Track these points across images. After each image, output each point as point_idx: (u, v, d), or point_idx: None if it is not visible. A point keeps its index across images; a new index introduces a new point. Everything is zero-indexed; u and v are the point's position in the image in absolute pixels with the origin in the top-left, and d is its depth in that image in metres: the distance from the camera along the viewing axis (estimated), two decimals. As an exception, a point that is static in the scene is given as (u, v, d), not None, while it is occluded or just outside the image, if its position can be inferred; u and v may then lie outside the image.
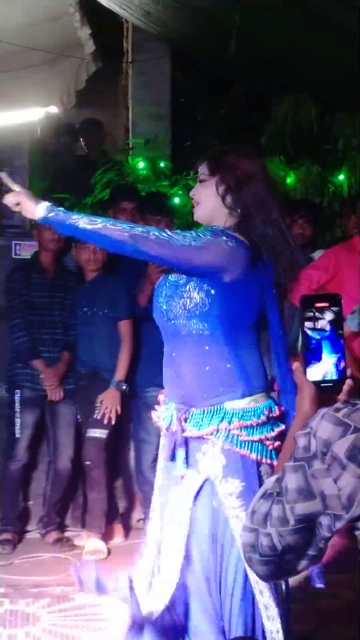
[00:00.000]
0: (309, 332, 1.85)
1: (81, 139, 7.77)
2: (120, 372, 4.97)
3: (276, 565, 1.72)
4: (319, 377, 1.85)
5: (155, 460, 5.14)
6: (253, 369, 2.82)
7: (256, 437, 2.74)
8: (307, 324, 1.86)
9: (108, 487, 5.00)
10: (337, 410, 1.65)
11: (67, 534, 5.13)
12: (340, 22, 5.51)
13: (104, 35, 7.74)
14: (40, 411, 5.08)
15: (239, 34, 5.32)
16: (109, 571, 4.37)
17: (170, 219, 5.26)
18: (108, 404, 4.94)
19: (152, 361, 5.12)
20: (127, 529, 5.23)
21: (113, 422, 4.95)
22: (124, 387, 4.97)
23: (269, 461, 2.76)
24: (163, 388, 5.26)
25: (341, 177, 6.99)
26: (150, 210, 5.24)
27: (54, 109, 7.28)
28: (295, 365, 1.88)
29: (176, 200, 6.45)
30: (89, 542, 4.88)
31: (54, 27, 7.39)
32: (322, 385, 1.84)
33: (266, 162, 6.87)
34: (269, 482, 1.72)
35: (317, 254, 5.26)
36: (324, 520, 1.64)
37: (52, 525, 5.05)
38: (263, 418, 2.76)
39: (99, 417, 4.93)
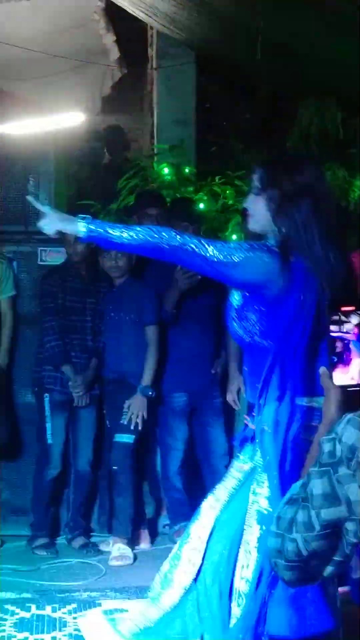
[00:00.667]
0: (335, 336, 1.85)
1: (106, 148, 7.81)
2: (147, 378, 4.98)
3: (302, 570, 1.72)
4: (346, 381, 1.84)
5: (182, 465, 5.17)
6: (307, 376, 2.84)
7: None
8: (333, 328, 1.85)
9: (134, 492, 5.00)
10: (363, 415, 1.64)
11: (93, 539, 5.13)
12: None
13: (129, 42, 7.78)
14: (69, 416, 5.09)
15: (263, 38, 5.32)
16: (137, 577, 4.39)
17: (197, 225, 5.24)
18: (135, 410, 4.94)
19: (178, 366, 5.15)
20: (154, 534, 5.22)
21: (140, 428, 4.95)
22: (151, 393, 4.97)
23: None
24: (189, 393, 5.27)
25: (366, 180, 6.97)
26: (178, 217, 5.22)
27: (79, 116, 7.31)
28: (322, 369, 1.87)
29: (201, 205, 6.45)
30: (115, 548, 4.88)
31: (79, 34, 7.44)
32: (349, 389, 1.83)
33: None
34: (295, 487, 1.72)
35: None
36: (350, 526, 1.63)
37: (78, 530, 5.06)
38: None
39: (125, 422, 4.94)
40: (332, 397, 1.84)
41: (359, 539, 1.65)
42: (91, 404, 5.11)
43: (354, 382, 1.83)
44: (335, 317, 1.85)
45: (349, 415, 1.66)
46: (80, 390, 5.01)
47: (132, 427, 4.93)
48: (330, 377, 1.85)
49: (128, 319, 5.05)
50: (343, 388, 1.83)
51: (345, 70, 6.56)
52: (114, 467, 4.97)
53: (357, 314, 1.83)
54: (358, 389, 1.83)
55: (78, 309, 5.08)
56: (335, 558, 1.70)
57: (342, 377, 1.84)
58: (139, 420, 4.93)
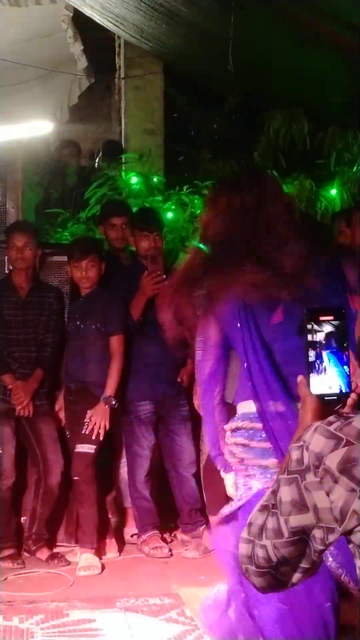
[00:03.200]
0: (312, 345, 1.86)
1: (98, 160, 7.80)
2: (110, 388, 4.97)
3: (272, 577, 1.73)
4: (322, 391, 1.85)
5: (149, 474, 5.17)
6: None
7: None
8: (310, 337, 1.86)
9: (98, 502, 4.99)
10: (330, 423, 1.65)
11: (60, 549, 5.10)
12: (333, 38, 5.54)
13: (97, 51, 7.78)
14: (17, 426, 5.06)
15: (232, 49, 5.34)
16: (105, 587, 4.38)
17: (159, 233, 5.27)
18: (97, 420, 4.93)
19: (144, 375, 5.15)
20: (121, 543, 5.21)
21: (101, 438, 4.93)
22: (114, 403, 4.97)
23: None
24: (155, 402, 5.30)
25: (333, 191, 7.02)
26: (140, 226, 5.27)
27: (47, 125, 7.30)
28: (300, 378, 1.89)
29: (169, 215, 6.47)
30: (83, 558, 4.86)
31: (47, 44, 7.44)
32: (326, 398, 1.84)
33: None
34: (266, 494, 1.73)
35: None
36: (317, 533, 1.64)
37: (42, 541, 5.02)
38: None
39: (87, 433, 4.92)
40: (308, 405, 1.85)
41: (325, 546, 1.66)
42: (49, 415, 5.09)
43: (331, 392, 1.84)
44: (313, 326, 1.85)
45: (317, 423, 1.68)
46: (21, 398, 4.97)
47: (93, 437, 4.91)
48: (307, 386, 1.86)
49: (94, 327, 5.04)
50: (319, 397, 1.84)
51: (313, 81, 6.61)
52: (75, 477, 4.96)
53: (335, 323, 1.84)
54: (334, 398, 1.84)
55: (19, 322, 5.07)
56: (302, 565, 1.71)
57: (319, 385, 1.85)
58: (101, 431, 4.92)
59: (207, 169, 7.43)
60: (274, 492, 1.69)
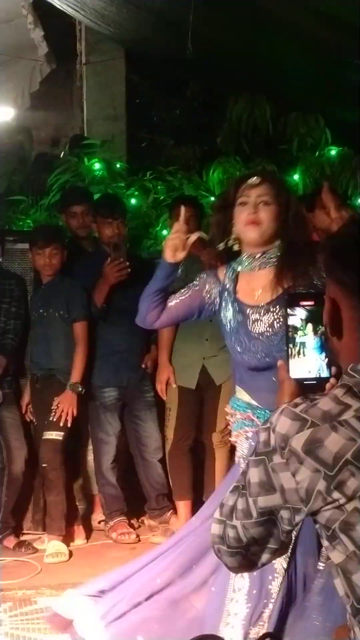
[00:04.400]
0: (292, 329, 1.87)
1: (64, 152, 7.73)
2: (76, 374, 4.96)
3: (243, 557, 1.75)
4: (302, 375, 1.86)
5: (115, 460, 5.18)
6: None
7: None
8: (291, 321, 1.87)
9: (66, 489, 4.98)
10: (296, 405, 1.66)
11: (27, 537, 5.09)
12: (295, 23, 5.54)
13: (58, 37, 7.72)
14: None
15: (193, 33, 5.33)
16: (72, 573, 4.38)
17: (122, 220, 5.25)
18: (64, 407, 4.92)
19: (108, 362, 5.15)
20: (88, 530, 5.22)
21: (69, 425, 4.93)
22: (80, 389, 4.96)
23: None
24: (119, 388, 5.30)
25: (296, 176, 7.04)
26: (102, 213, 5.24)
27: (8, 111, 7.24)
28: (280, 362, 1.90)
29: (133, 201, 6.45)
30: (50, 545, 4.85)
31: (6, 29, 7.35)
32: (305, 382, 1.85)
33: (222, 161, 6.96)
34: (240, 475, 1.75)
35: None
36: (284, 514, 1.66)
37: (8, 529, 5.01)
38: None
39: (55, 420, 4.91)
40: (285, 389, 1.87)
41: (292, 527, 1.68)
42: (12, 403, 5.07)
43: (310, 376, 1.85)
44: (294, 311, 1.86)
45: (283, 406, 1.69)
46: None
47: (61, 424, 4.91)
48: (287, 370, 1.87)
49: (57, 315, 5.03)
50: (298, 380, 1.86)
51: (275, 66, 6.62)
52: (43, 465, 4.95)
53: (312, 309, 1.84)
54: (314, 382, 1.84)
55: None
56: (270, 545, 1.73)
57: (298, 370, 1.86)
58: (69, 417, 4.91)
59: (170, 155, 7.43)
60: (244, 474, 1.71)
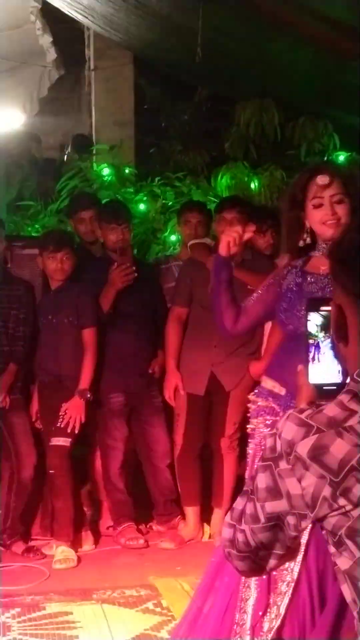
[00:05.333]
0: (312, 334, 1.86)
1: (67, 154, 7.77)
2: (84, 381, 4.97)
3: (252, 561, 1.75)
4: (321, 380, 1.85)
5: (123, 466, 5.18)
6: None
7: None
8: (310, 326, 1.87)
9: (74, 494, 4.98)
10: (302, 411, 1.66)
11: (35, 543, 5.09)
12: (302, 28, 5.55)
13: (66, 43, 7.76)
14: None
15: (201, 40, 5.34)
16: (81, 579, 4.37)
17: (127, 226, 5.26)
18: (72, 413, 4.92)
19: (115, 367, 5.15)
20: (97, 536, 5.21)
21: (77, 431, 4.93)
22: (88, 396, 4.96)
23: None
24: (126, 393, 5.28)
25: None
26: (107, 219, 5.25)
27: (18, 117, 7.27)
28: (300, 367, 1.90)
29: (141, 206, 6.46)
30: (58, 551, 4.85)
31: (15, 35, 7.40)
32: (324, 388, 1.84)
33: (230, 167, 6.97)
34: (248, 480, 1.75)
35: (281, 259, 5.28)
36: (291, 520, 1.66)
37: (16, 535, 5.01)
38: None
39: (62, 426, 4.91)
40: (303, 395, 1.87)
41: (298, 532, 1.68)
42: (21, 409, 5.07)
43: (329, 382, 1.84)
44: (314, 316, 1.86)
45: (290, 412, 1.69)
46: None
47: (68, 430, 4.91)
48: (306, 375, 1.87)
49: (66, 321, 5.03)
50: (318, 386, 1.85)
51: (283, 72, 6.63)
52: (50, 471, 4.95)
53: (324, 313, 1.84)
54: (334, 388, 1.84)
55: None
56: (276, 551, 1.73)
57: (318, 375, 1.86)
58: (77, 424, 4.91)
59: (178, 161, 7.44)
60: (252, 479, 1.71)
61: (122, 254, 5.09)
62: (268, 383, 3.23)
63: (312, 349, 1.86)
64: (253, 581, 2.93)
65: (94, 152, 7.29)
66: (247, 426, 3.35)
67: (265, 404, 3.20)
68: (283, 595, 2.86)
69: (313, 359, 1.86)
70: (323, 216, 3.08)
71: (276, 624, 2.83)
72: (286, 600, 2.84)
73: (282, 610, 2.83)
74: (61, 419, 4.91)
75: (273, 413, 3.16)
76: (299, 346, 2.85)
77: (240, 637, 2.91)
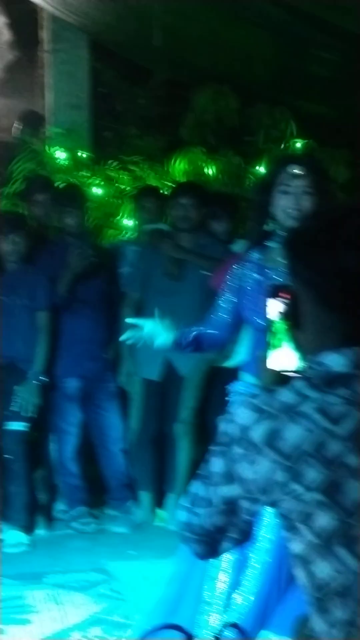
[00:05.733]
0: (270, 320, 1.87)
1: (14, 129, 7.65)
2: (39, 364, 4.95)
3: (207, 544, 1.77)
4: (281, 367, 1.87)
5: (76, 450, 5.17)
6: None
7: None
8: (270, 312, 1.87)
9: (29, 479, 4.97)
10: (255, 396, 1.67)
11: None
12: (261, 15, 5.56)
13: (21, 24, 7.66)
14: None
15: (158, 23, 5.32)
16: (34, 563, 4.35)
17: (82, 211, 5.24)
18: (26, 396, 4.90)
19: (70, 351, 5.13)
20: (50, 520, 5.20)
21: (30, 415, 4.91)
22: (42, 379, 4.94)
23: None
24: (81, 378, 5.25)
25: (261, 168, 7.06)
26: (63, 202, 5.23)
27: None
28: (259, 353, 1.91)
29: (97, 190, 6.43)
30: (11, 535, 4.84)
31: (-30, 15, 7.29)
32: (283, 374, 1.85)
33: (186, 152, 6.96)
34: (203, 463, 1.76)
35: (238, 245, 5.30)
36: (244, 504, 1.67)
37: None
38: None
39: (17, 409, 4.89)
40: (263, 380, 1.88)
41: (252, 516, 1.69)
42: None
43: (289, 367, 1.85)
44: (272, 302, 1.87)
45: (243, 397, 1.70)
46: None
47: (23, 414, 4.89)
48: (265, 360, 1.88)
49: (20, 303, 4.99)
50: (276, 372, 1.86)
51: (240, 57, 6.63)
52: (6, 456, 4.93)
53: (284, 300, 1.84)
54: (293, 373, 1.85)
55: None
56: (230, 535, 1.74)
57: (278, 361, 1.87)
58: (30, 407, 4.89)
59: (134, 145, 7.40)
60: (207, 462, 1.72)
61: (79, 238, 5.07)
62: (248, 378, 3.22)
63: (272, 335, 1.87)
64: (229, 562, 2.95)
65: (48, 134, 7.23)
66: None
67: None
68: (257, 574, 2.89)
69: (273, 345, 1.87)
70: (287, 203, 3.07)
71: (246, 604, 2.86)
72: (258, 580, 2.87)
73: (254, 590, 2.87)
74: (14, 403, 4.88)
75: None
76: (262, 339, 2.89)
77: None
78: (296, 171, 3.10)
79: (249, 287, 3.17)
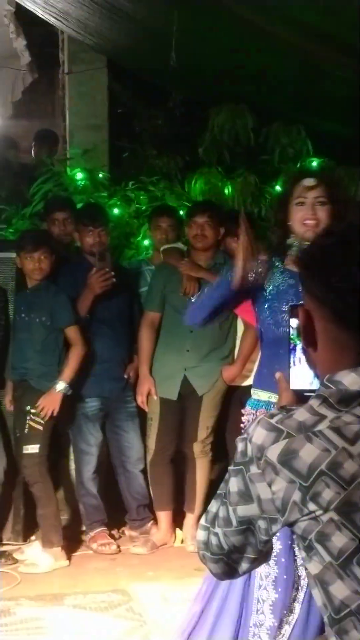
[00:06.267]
0: (292, 339, 1.86)
1: (33, 151, 7.72)
2: (66, 374, 4.91)
3: (225, 563, 1.76)
4: (302, 386, 1.86)
5: (96, 471, 5.16)
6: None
7: None
8: (292, 331, 1.87)
9: (53, 500, 4.93)
10: (272, 416, 1.67)
11: (7, 548, 5.06)
12: (276, 34, 5.57)
13: (41, 47, 7.74)
14: None
15: (176, 44, 5.34)
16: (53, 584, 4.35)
17: (104, 229, 5.25)
18: (46, 404, 4.86)
19: (90, 372, 5.14)
20: (70, 541, 5.19)
21: (47, 435, 4.87)
22: (65, 389, 4.90)
23: None
24: (101, 398, 5.25)
25: (278, 187, 7.06)
26: (84, 221, 5.24)
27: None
28: (278, 374, 1.90)
29: (115, 211, 6.45)
30: (30, 555, 4.83)
31: (-11, 38, 7.37)
32: (305, 394, 1.84)
33: (203, 172, 6.97)
34: (222, 483, 1.76)
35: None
36: (262, 524, 1.66)
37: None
38: None
39: (31, 432, 4.86)
40: (283, 400, 1.87)
41: (269, 537, 1.68)
42: None
43: (311, 387, 1.84)
44: (294, 321, 1.86)
45: (260, 416, 1.69)
46: None
47: (39, 436, 4.87)
48: (286, 380, 1.87)
49: (38, 321, 4.98)
50: (299, 392, 1.85)
51: (257, 77, 6.64)
52: (27, 479, 4.92)
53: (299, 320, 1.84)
54: (314, 393, 1.84)
55: None
56: (248, 555, 1.73)
57: (299, 381, 1.86)
58: (48, 414, 4.85)
59: (152, 165, 7.43)
60: (226, 482, 1.72)
61: (101, 259, 5.08)
62: (262, 395, 3.22)
63: (293, 354, 1.86)
64: (270, 582, 2.95)
65: (68, 155, 7.27)
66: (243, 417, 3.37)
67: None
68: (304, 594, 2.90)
69: (294, 364, 1.86)
70: (303, 215, 3.15)
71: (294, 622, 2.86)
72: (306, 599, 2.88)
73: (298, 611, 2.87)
74: (28, 426, 4.86)
75: None
76: (281, 350, 2.90)
77: (260, 638, 2.93)
78: (310, 183, 3.17)
79: (269, 295, 3.20)
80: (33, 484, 4.89)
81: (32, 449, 4.86)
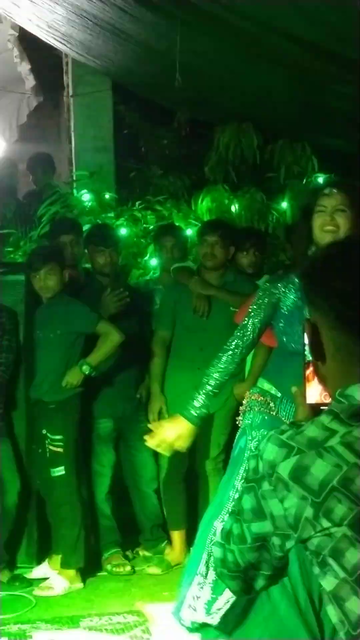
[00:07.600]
0: (307, 354, 1.87)
1: (30, 175, 7.74)
2: (93, 357, 4.85)
3: (242, 580, 1.76)
4: (318, 400, 1.86)
5: (110, 492, 5.15)
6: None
7: None
8: (308, 346, 1.88)
9: (78, 522, 4.92)
10: (283, 432, 1.66)
11: (22, 571, 5.04)
12: (280, 52, 5.60)
13: (45, 70, 7.79)
14: None
15: (179, 65, 5.37)
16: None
17: (114, 249, 5.27)
18: (71, 378, 4.84)
19: (103, 392, 5.13)
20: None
21: (71, 457, 4.86)
22: (89, 371, 4.84)
23: None
24: (115, 419, 5.24)
25: (284, 204, 7.08)
26: (95, 242, 5.26)
27: (-4, 145, 7.27)
28: (294, 388, 1.91)
29: (123, 231, 6.47)
30: (59, 579, 4.81)
31: (-6, 63, 7.42)
32: (322, 408, 1.84)
33: (210, 190, 7.00)
34: (236, 500, 1.76)
35: (263, 280, 5.31)
36: (276, 541, 1.66)
37: (2, 563, 4.94)
38: None
39: (52, 455, 4.85)
40: (299, 415, 1.87)
41: (284, 553, 1.67)
42: (3, 435, 4.98)
43: (327, 401, 1.84)
44: (307, 336, 1.88)
45: (271, 432, 1.69)
46: None
47: (62, 458, 4.86)
48: (302, 395, 1.88)
49: (52, 336, 4.94)
50: (313, 406, 1.86)
51: (261, 95, 6.68)
52: (55, 501, 4.92)
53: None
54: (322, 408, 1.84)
55: None
56: (263, 572, 1.73)
57: (315, 395, 1.86)
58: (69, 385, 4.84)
59: (159, 185, 7.46)
60: (239, 499, 1.71)
61: (114, 279, 5.07)
62: (265, 385, 3.31)
63: (308, 369, 1.87)
64: None
65: (74, 178, 7.31)
66: (237, 418, 3.42)
67: (259, 398, 3.32)
68: None
69: (308, 379, 1.86)
70: (322, 222, 3.24)
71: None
72: None
73: None
74: (49, 448, 4.85)
75: (267, 407, 3.28)
76: (292, 358, 2.93)
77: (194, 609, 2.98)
78: (329, 191, 3.26)
79: (286, 310, 3.25)
80: (60, 506, 4.87)
81: (59, 471, 4.85)
